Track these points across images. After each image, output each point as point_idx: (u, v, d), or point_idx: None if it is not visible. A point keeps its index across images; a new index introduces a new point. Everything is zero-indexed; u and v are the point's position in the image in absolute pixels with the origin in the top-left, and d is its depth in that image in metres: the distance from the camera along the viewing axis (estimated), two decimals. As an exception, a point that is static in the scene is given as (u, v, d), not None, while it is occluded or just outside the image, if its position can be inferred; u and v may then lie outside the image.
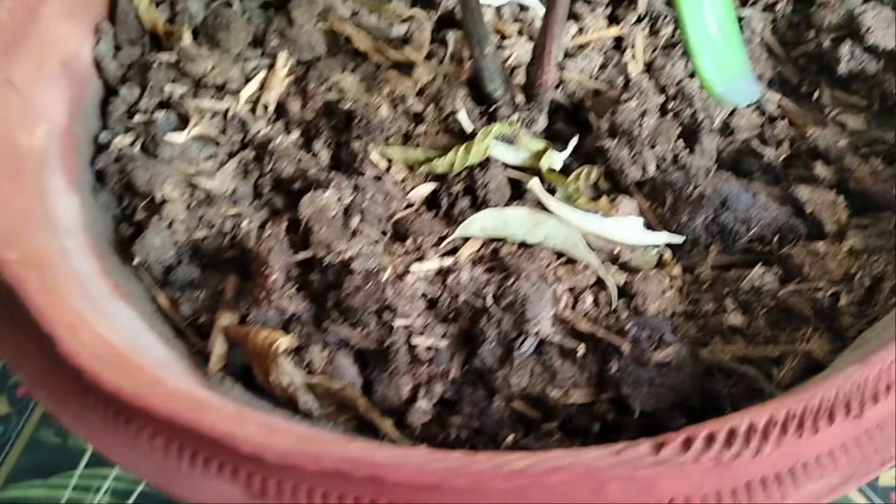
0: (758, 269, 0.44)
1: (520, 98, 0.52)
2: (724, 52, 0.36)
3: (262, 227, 0.48)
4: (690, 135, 0.50)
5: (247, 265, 0.46)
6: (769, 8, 0.56)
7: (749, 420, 0.32)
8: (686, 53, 0.39)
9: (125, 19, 0.54)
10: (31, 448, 0.57)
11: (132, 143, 0.50)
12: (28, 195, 0.44)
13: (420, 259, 0.45)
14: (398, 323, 0.42)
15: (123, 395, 0.33)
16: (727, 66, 0.36)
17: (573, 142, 0.50)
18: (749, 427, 0.32)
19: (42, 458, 0.57)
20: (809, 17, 0.55)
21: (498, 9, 0.56)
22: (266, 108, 0.51)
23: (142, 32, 0.55)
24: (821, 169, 0.48)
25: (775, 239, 0.45)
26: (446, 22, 0.56)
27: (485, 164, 0.48)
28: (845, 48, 0.52)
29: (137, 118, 0.51)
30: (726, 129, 0.51)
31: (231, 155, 0.51)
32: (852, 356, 0.38)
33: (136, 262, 0.46)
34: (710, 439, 0.31)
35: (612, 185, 0.49)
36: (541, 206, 0.47)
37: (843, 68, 0.52)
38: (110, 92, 0.53)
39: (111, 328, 0.39)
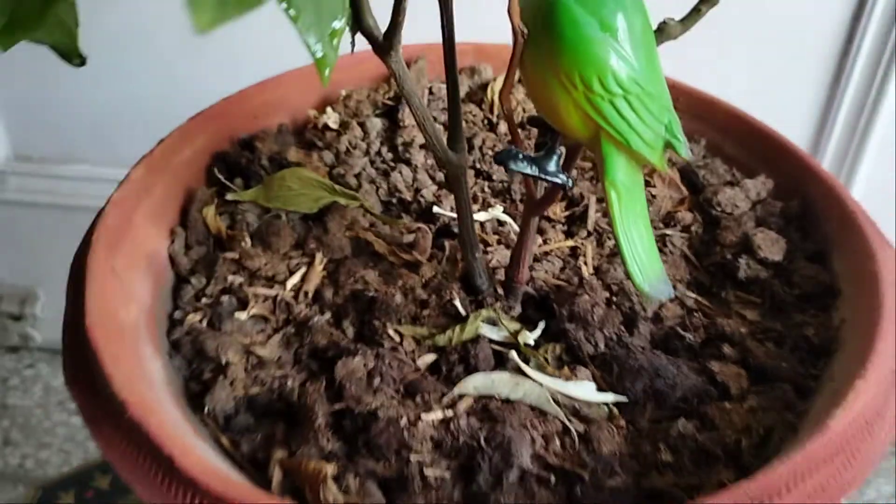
0: (682, 421, 0.58)
1: (500, 291, 0.68)
2: (647, 264, 0.53)
3: (302, 385, 0.61)
4: (630, 321, 0.66)
5: (291, 415, 0.59)
6: (686, 229, 0.75)
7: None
8: (622, 263, 0.55)
9: (195, 225, 0.70)
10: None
11: (200, 320, 0.64)
12: (132, 358, 0.58)
13: (427, 410, 0.59)
14: (413, 458, 0.55)
15: (229, 499, 0.46)
16: (649, 274, 0.53)
17: (541, 325, 0.65)
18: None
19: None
20: (716, 236, 0.73)
21: (482, 224, 0.73)
22: (306, 294, 0.66)
23: (207, 235, 0.70)
24: (727, 349, 0.64)
25: (695, 400, 0.60)
26: (443, 232, 0.73)
27: (475, 340, 0.63)
28: (742, 261, 0.70)
29: (204, 300, 0.66)
30: (657, 318, 0.67)
31: (277, 330, 0.65)
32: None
33: (205, 411, 0.59)
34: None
35: (572, 358, 0.64)
36: (519, 371, 0.62)
37: (741, 275, 0.70)
38: (181, 280, 0.68)
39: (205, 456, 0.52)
